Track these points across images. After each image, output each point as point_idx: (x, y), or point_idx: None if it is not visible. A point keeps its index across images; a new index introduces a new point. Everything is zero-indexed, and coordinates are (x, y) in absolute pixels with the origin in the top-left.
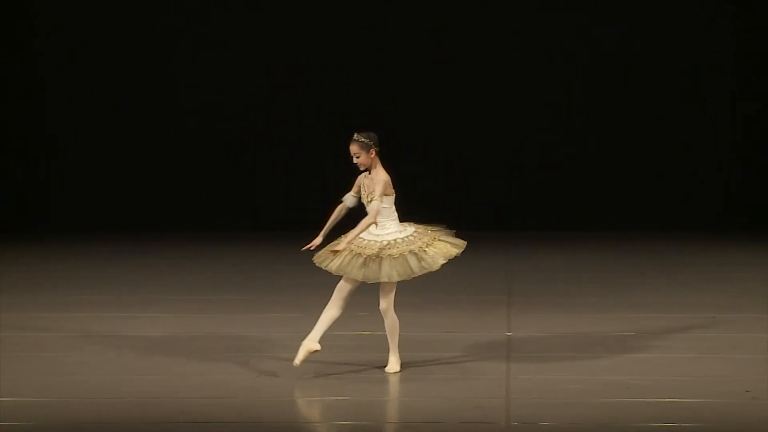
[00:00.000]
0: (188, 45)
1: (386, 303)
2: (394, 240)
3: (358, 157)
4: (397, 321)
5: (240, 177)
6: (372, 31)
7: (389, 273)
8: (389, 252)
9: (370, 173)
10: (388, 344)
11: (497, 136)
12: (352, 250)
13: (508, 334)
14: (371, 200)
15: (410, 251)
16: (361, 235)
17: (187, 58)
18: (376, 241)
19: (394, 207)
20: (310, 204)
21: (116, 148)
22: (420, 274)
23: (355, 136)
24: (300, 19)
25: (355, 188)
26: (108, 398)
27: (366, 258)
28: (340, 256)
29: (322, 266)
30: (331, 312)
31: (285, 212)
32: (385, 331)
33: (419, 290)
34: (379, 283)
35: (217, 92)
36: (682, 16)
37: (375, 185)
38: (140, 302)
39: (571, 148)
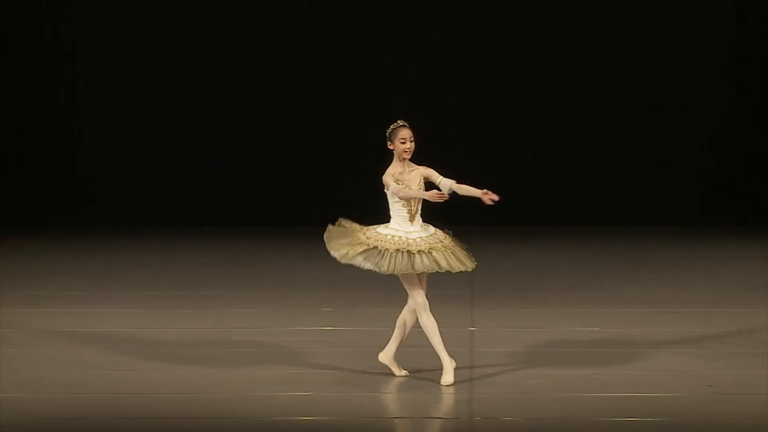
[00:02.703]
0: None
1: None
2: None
3: (412, 142)
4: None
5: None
6: (367, 31)
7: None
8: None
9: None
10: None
11: (468, 129)
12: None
13: (472, 328)
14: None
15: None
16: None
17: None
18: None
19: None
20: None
21: (94, 142)
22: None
23: (403, 122)
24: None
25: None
26: (71, 394)
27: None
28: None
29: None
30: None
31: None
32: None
33: (382, 286)
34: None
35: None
36: (676, 12)
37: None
38: (104, 298)
39: (538, 142)
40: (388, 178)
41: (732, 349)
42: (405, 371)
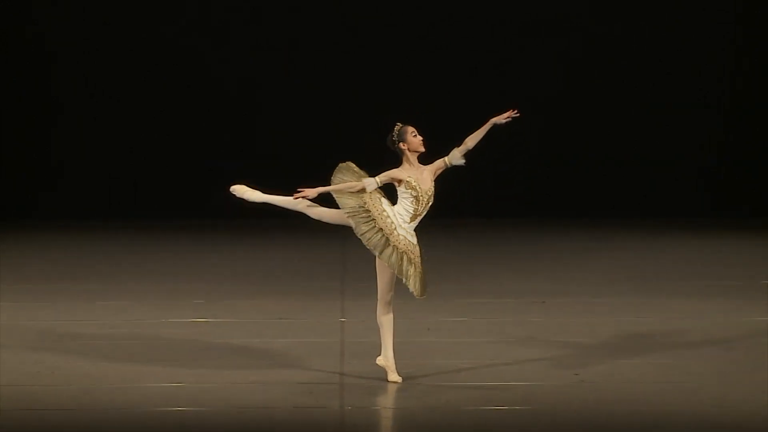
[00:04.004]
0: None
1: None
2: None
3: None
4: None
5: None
6: (357, 30)
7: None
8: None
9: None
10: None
11: (468, 129)
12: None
13: (342, 320)
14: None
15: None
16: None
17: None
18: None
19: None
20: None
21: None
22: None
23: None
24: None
25: (383, 177)
26: None
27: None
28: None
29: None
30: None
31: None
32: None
33: (253, 277)
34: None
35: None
36: (676, 12)
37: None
38: None
39: (538, 142)
40: (440, 162)
41: (599, 339)
42: (399, 377)
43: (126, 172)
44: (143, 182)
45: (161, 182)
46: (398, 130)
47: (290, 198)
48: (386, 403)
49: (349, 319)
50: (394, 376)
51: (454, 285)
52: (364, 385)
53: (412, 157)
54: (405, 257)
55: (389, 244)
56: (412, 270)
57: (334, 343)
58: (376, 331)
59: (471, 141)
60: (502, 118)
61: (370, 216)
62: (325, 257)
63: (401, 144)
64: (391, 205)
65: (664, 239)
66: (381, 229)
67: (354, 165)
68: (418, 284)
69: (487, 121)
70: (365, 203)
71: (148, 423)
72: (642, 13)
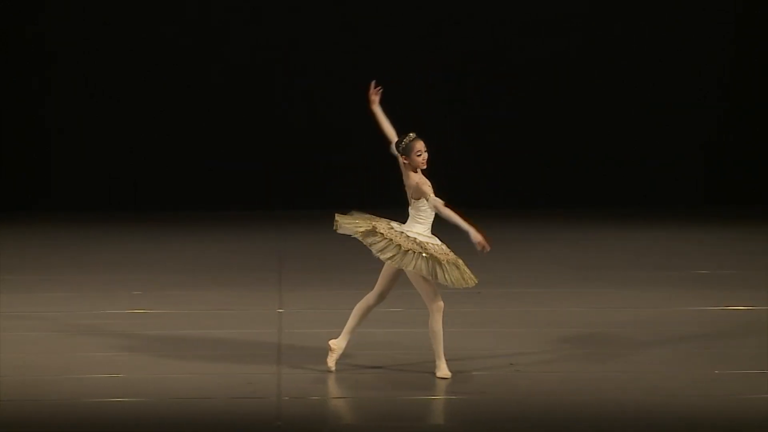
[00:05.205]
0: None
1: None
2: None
3: (426, 152)
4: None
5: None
6: (350, 30)
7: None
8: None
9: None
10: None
11: (467, 129)
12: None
13: (280, 310)
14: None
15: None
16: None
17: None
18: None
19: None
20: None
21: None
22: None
23: (415, 134)
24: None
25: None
26: None
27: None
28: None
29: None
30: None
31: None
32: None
33: (190, 268)
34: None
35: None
36: (676, 12)
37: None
38: None
39: (538, 142)
40: (427, 188)
41: (533, 329)
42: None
43: (126, 172)
44: (143, 182)
45: (161, 182)
46: (407, 143)
47: None
48: (323, 394)
49: (286, 310)
50: (443, 371)
51: None
52: (301, 376)
53: (418, 168)
54: (431, 261)
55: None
56: (440, 269)
57: (271, 333)
58: (313, 322)
59: (447, 216)
60: (479, 243)
61: (384, 236)
62: (261, 248)
63: (404, 158)
64: (410, 229)
65: (606, 230)
66: (399, 244)
67: (344, 216)
68: (460, 275)
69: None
70: (374, 227)
71: (86, 414)
72: (642, 13)
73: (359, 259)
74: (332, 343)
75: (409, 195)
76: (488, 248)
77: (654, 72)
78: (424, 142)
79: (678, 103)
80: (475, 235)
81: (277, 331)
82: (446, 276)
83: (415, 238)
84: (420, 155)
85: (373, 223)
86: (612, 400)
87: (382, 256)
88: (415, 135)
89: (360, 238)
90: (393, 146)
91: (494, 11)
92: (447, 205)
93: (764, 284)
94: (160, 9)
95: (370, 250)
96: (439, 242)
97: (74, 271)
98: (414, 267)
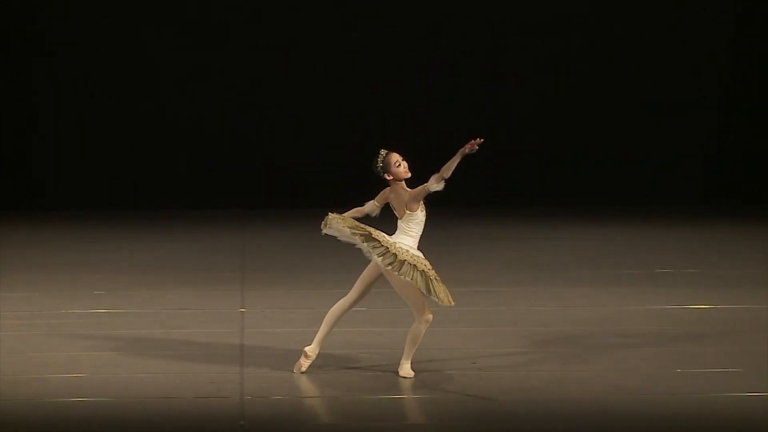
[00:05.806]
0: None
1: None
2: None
3: (405, 160)
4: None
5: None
6: (347, 31)
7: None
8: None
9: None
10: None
11: (467, 129)
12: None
13: (242, 310)
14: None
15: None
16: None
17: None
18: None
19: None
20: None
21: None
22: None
23: (385, 150)
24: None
25: (380, 198)
26: None
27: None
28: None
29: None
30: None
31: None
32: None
33: (152, 268)
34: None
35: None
36: (676, 12)
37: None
38: None
39: (538, 142)
40: (420, 188)
41: (497, 327)
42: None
43: (126, 172)
44: (143, 181)
45: (161, 182)
46: (382, 161)
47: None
48: (286, 393)
49: (249, 309)
50: (406, 370)
51: (354, 275)
52: (264, 376)
53: (404, 177)
54: (424, 275)
55: (432, 278)
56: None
57: (234, 333)
58: (277, 321)
59: (446, 171)
60: (467, 148)
61: (381, 243)
62: (224, 247)
63: (386, 175)
64: (400, 240)
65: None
66: (395, 253)
67: (338, 216)
68: (445, 295)
69: (456, 152)
70: (370, 232)
71: (49, 414)
72: (642, 13)
73: (327, 260)
74: (308, 349)
75: (401, 210)
76: (478, 141)
77: (654, 72)
78: (398, 153)
79: (678, 103)
80: (464, 149)
81: (240, 331)
82: (436, 292)
83: (407, 250)
84: (399, 165)
85: (368, 228)
86: (573, 399)
87: (383, 262)
88: (385, 150)
89: (359, 241)
90: (378, 170)
91: (494, 11)
92: (437, 171)
93: (751, 283)
94: (160, 9)
95: (364, 253)
96: (423, 257)
97: (35, 270)
98: (411, 279)
